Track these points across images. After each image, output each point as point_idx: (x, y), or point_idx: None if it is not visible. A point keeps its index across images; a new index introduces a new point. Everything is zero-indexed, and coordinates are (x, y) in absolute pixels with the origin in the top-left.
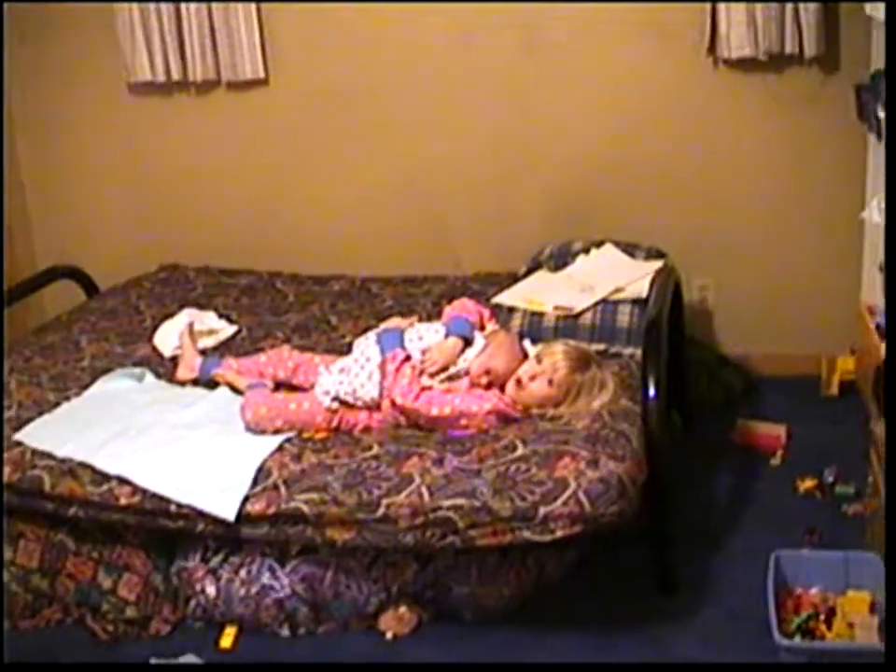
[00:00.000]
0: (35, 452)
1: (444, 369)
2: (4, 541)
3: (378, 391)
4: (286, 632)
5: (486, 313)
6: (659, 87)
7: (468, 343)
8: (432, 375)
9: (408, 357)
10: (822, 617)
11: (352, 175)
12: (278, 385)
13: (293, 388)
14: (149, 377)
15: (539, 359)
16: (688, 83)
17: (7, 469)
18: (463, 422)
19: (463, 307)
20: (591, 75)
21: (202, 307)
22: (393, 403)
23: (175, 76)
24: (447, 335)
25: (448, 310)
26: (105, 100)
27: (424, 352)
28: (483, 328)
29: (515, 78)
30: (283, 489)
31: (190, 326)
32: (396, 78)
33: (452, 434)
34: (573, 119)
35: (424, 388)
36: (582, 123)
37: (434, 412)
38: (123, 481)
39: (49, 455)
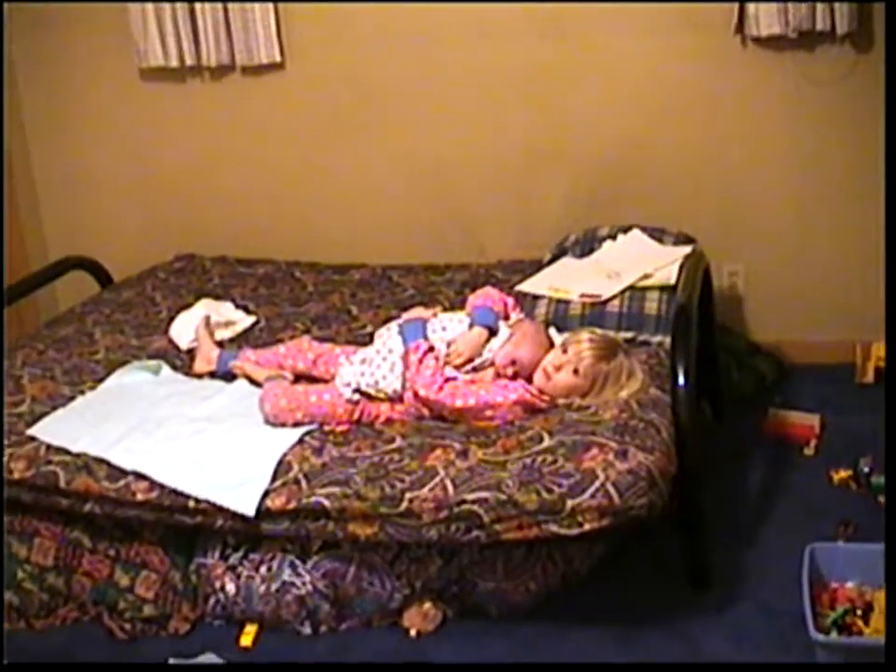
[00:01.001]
0: (49, 447)
1: (470, 360)
2: (3, 539)
3: (401, 383)
4: (307, 629)
5: (511, 301)
6: (686, 67)
7: (492, 332)
8: (458, 367)
9: (431, 348)
10: (859, 612)
11: (372, 162)
12: (298, 378)
13: (313, 380)
14: (166, 370)
15: (564, 349)
16: (715, 63)
17: (20, 465)
18: (488, 413)
19: (487, 296)
20: (615, 56)
21: (218, 298)
22: (416, 395)
23: (189, 61)
24: (471, 325)
25: (472, 299)
26: (116, 86)
27: (449, 343)
28: (507, 317)
29: (539, 63)
30: (304, 483)
31: (207, 318)
32: (417, 62)
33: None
34: (598, 103)
35: (447, 379)
36: (608, 106)
37: (458, 403)
38: (140, 476)
39: (64, 451)
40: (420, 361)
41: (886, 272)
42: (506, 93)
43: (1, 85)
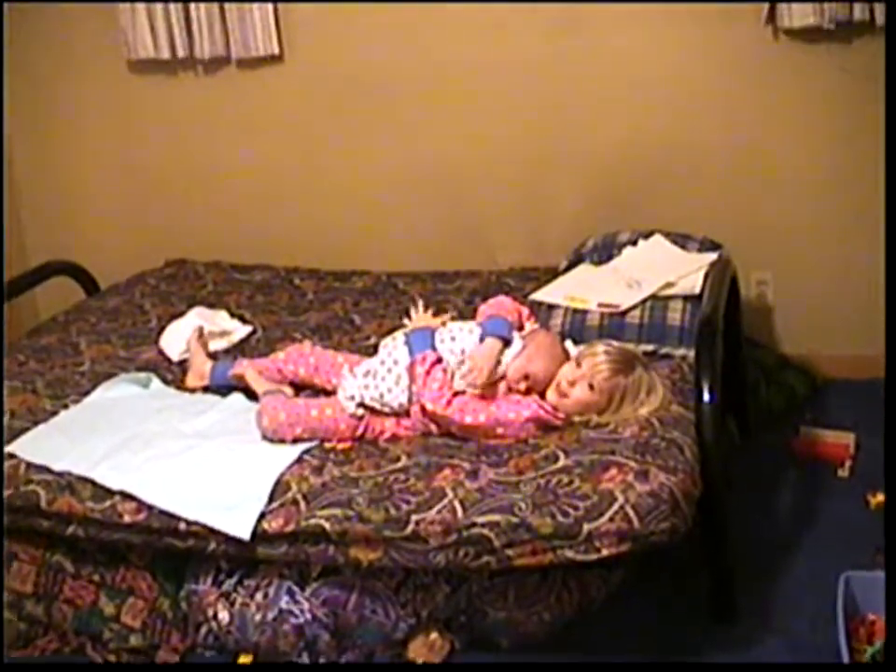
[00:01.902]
0: (29, 465)
1: (490, 377)
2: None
3: (407, 396)
4: (305, 660)
5: (525, 311)
6: (712, 61)
7: (507, 344)
8: (477, 386)
9: (439, 360)
10: None
11: (376, 162)
12: (298, 388)
13: (314, 391)
14: (156, 383)
15: (578, 362)
16: (745, 56)
17: None
18: (499, 431)
19: (500, 305)
20: (635, 50)
21: (212, 306)
22: (423, 410)
23: (181, 52)
24: (483, 337)
25: (483, 308)
26: (102, 79)
27: (461, 361)
28: (521, 327)
29: (553, 56)
30: (303, 504)
31: (200, 329)
32: (423, 57)
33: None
34: (617, 99)
35: (456, 394)
36: (627, 103)
37: (468, 420)
38: (127, 496)
39: (46, 469)
40: (427, 373)
41: (886, 271)
42: (518, 88)
43: (1, 84)
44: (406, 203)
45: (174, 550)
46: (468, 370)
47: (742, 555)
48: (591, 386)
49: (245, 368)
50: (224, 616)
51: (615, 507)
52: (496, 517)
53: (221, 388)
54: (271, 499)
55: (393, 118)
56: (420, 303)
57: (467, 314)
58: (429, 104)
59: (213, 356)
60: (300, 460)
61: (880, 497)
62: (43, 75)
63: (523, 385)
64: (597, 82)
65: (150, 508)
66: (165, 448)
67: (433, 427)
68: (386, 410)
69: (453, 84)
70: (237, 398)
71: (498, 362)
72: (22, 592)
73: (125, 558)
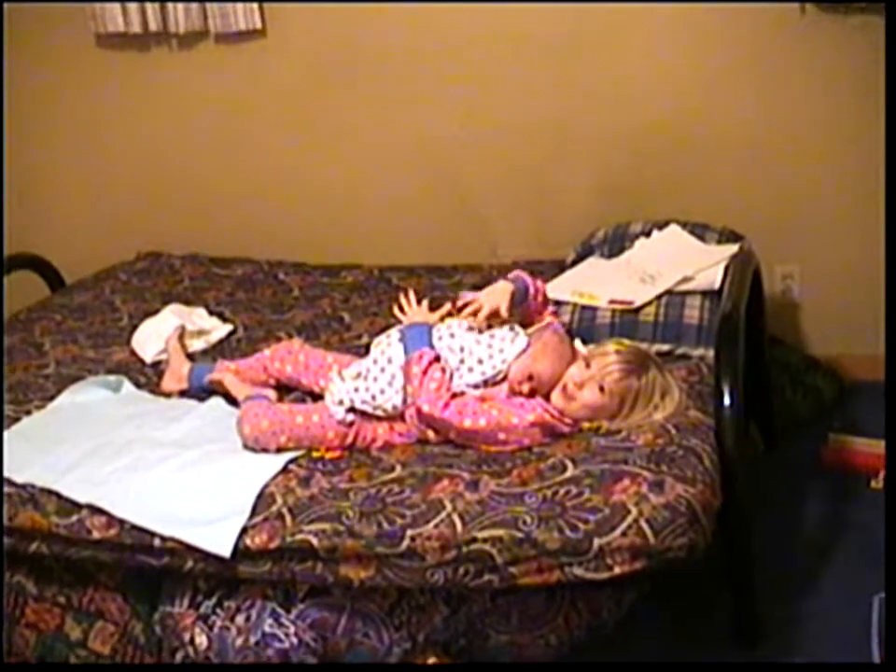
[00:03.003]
0: None
1: (494, 315)
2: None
3: (401, 398)
4: None
5: (544, 289)
6: (733, 37)
7: (522, 298)
8: (474, 320)
9: (437, 358)
10: None
11: (367, 144)
12: (283, 390)
13: (300, 392)
14: (127, 386)
15: (587, 363)
16: (768, 31)
17: None
18: (501, 436)
19: (517, 277)
20: (651, 23)
21: (189, 303)
22: (419, 413)
23: (153, 26)
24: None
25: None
26: (67, 55)
27: (461, 360)
28: (539, 311)
29: (562, 28)
30: (288, 518)
31: (181, 329)
32: (418, 28)
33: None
34: (631, 77)
35: (455, 395)
36: (643, 82)
37: (467, 423)
38: (96, 510)
39: (7, 481)
40: (424, 373)
41: (886, 270)
42: (523, 63)
43: (1, 83)
44: (401, 191)
45: (147, 568)
46: (470, 300)
47: (766, 573)
48: (601, 389)
49: (224, 373)
50: (202, 640)
51: (628, 520)
52: (498, 532)
53: (200, 392)
54: (253, 513)
55: (385, 96)
56: (412, 295)
57: None
58: (425, 80)
59: (191, 357)
60: (285, 470)
61: None
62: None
63: (526, 387)
64: (612, 58)
65: (121, 523)
66: (138, 457)
67: (430, 434)
68: (379, 413)
69: (451, 58)
70: (217, 402)
71: (507, 316)
72: None
73: (93, 578)
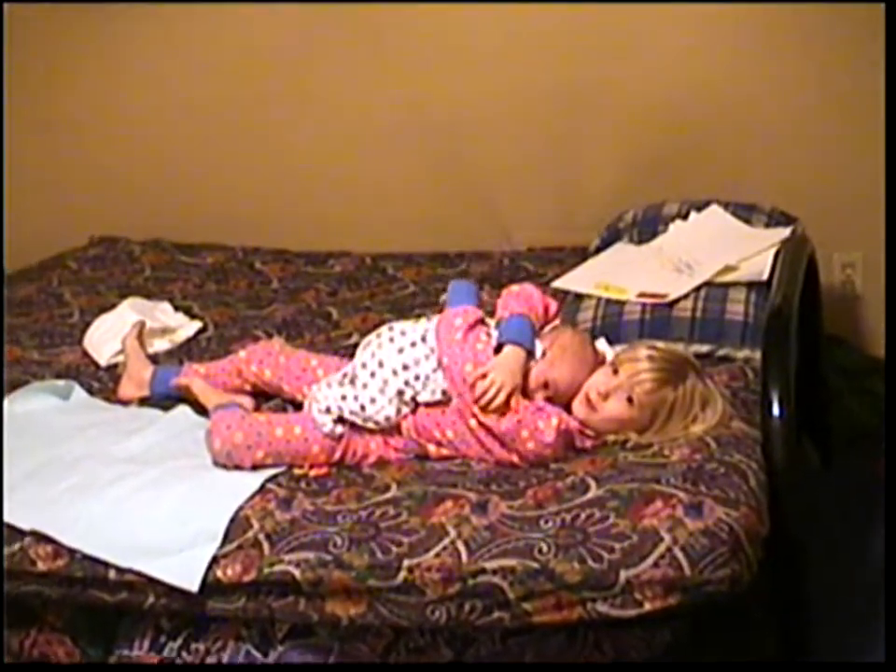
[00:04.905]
0: None
1: (510, 397)
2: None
3: (395, 409)
4: None
5: (553, 307)
6: None
7: (529, 355)
8: (492, 410)
9: (482, 320)
10: None
11: (360, 112)
12: (259, 402)
13: (280, 401)
14: (78, 393)
15: (614, 369)
16: None
17: None
18: (524, 434)
19: (528, 298)
20: None
21: (151, 296)
22: (452, 380)
23: None
24: (500, 343)
25: (505, 296)
26: (13, 12)
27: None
28: (544, 326)
29: None
30: (266, 546)
31: (141, 325)
32: None
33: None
34: (664, 38)
35: None
36: (677, 42)
37: (504, 426)
38: (41, 537)
39: None
40: (470, 329)
41: (886, 269)
42: (540, 19)
43: (0, 82)
44: (399, 168)
45: (100, 606)
46: (484, 386)
47: (821, 610)
48: (630, 400)
49: (192, 378)
50: None
51: (660, 549)
52: (510, 562)
53: (164, 400)
54: (225, 540)
55: (381, 58)
56: None
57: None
58: (428, 40)
59: (153, 359)
60: (262, 490)
61: None
62: None
63: (541, 396)
64: (644, 12)
65: (71, 552)
66: (91, 476)
67: (430, 449)
68: (370, 425)
69: (459, 16)
70: (183, 411)
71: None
72: None
73: (38, 617)
